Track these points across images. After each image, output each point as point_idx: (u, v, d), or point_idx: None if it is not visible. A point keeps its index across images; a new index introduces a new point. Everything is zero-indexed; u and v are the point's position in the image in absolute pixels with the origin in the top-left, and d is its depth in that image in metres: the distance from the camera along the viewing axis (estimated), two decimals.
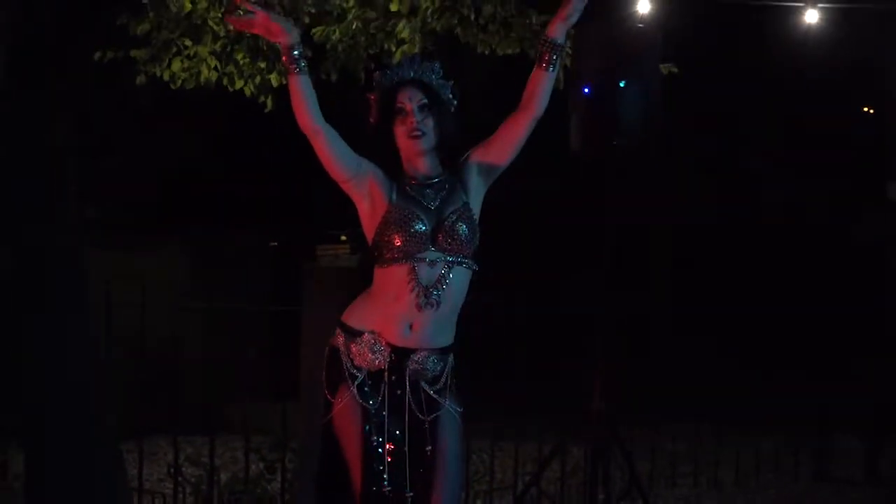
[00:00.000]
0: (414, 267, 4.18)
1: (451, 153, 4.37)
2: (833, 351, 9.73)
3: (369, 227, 4.28)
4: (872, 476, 9.15)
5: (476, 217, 4.33)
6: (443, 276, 4.19)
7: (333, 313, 4.43)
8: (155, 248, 10.75)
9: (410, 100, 4.27)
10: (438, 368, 4.29)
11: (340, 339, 4.28)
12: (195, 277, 10.57)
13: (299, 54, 4.06)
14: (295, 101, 4.11)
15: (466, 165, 4.37)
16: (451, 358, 4.35)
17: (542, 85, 4.34)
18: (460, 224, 4.24)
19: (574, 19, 4.33)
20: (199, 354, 8.46)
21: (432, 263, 4.20)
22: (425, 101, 4.27)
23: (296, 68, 4.06)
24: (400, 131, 4.28)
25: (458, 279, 4.25)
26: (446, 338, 4.31)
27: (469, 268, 4.28)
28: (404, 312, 4.20)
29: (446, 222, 4.23)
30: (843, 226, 13.30)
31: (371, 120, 4.37)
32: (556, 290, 9.28)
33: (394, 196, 4.25)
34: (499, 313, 8.06)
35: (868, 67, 11.07)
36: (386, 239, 4.21)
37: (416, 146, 4.26)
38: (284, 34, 4.05)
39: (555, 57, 4.33)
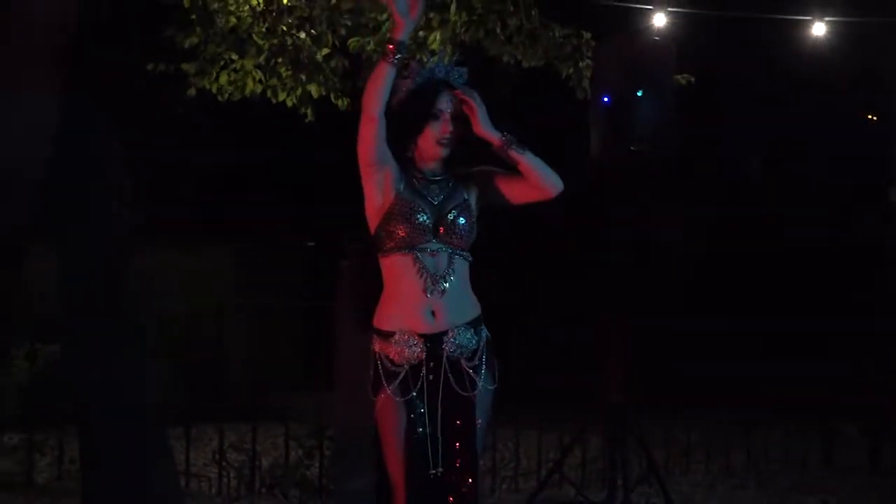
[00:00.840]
0: (417, 255, 4.29)
1: (464, 156, 4.50)
2: (838, 345, 10.00)
3: (374, 215, 4.36)
4: (875, 464, 9.49)
5: (475, 214, 4.43)
6: (448, 266, 4.32)
7: (365, 309, 4.48)
8: (200, 248, 10.96)
9: (447, 107, 4.39)
10: (474, 342, 4.36)
11: (377, 345, 4.38)
12: (238, 275, 10.81)
13: (404, 49, 4.25)
14: (375, 86, 4.26)
15: (479, 176, 4.49)
16: (484, 331, 4.41)
17: (525, 167, 4.40)
18: (460, 218, 4.35)
19: (482, 117, 4.38)
20: (242, 347, 8.59)
21: (434, 253, 4.31)
22: (457, 111, 4.43)
23: (392, 59, 4.24)
24: (430, 133, 4.40)
25: (461, 268, 4.35)
26: (471, 310, 4.39)
27: (466, 259, 4.38)
28: (420, 302, 4.30)
29: (448, 216, 4.34)
30: (848, 227, 13.57)
31: (394, 102, 4.44)
32: (575, 288, 9.49)
33: (402, 188, 4.35)
34: (522, 310, 8.31)
35: (873, 77, 11.20)
36: (390, 229, 4.30)
37: (440, 152, 4.43)
38: (414, 15, 4.26)
39: (511, 146, 4.38)
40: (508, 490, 8.37)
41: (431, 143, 4.43)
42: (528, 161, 4.40)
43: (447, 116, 4.43)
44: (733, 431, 9.45)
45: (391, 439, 4.35)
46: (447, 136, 4.41)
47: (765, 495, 8.42)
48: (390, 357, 4.35)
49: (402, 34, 4.27)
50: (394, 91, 4.43)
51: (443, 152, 4.43)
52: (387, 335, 4.36)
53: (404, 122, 4.43)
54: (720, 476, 9.06)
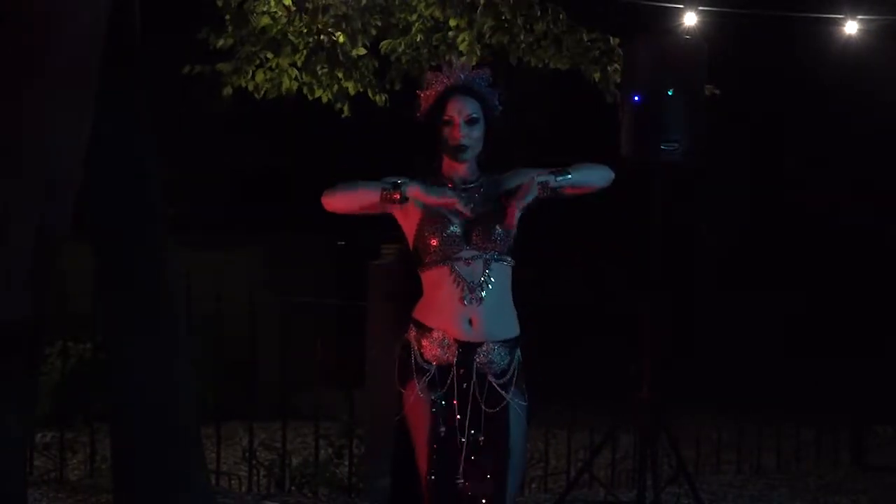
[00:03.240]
0: (453, 266, 4.29)
1: (494, 157, 4.48)
2: (870, 345, 9.96)
3: (409, 233, 4.39)
4: None
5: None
6: (484, 273, 4.30)
7: (395, 308, 4.65)
8: (232, 245, 11.00)
9: (459, 112, 4.36)
10: (505, 361, 4.36)
11: (413, 334, 4.38)
12: (269, 273, 10.84)
13: (404, 201, 4.30)
14: (356, 203, 4.39)
15: (513, 176, 4.45)
16: (518, 352, 4.41)
17: (577, 189, 4.43)
18: (494, 222, 4.33)
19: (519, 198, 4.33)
20: (272, 346, 8.62)
21: (469, 262, 4.30)
22: (473, 115, 4.40)
23: (391, 202, 4.29)
24: (444, 140, 4.38)
25: (499, 274, 4.34)
26: (509, 329, 4.39)
27: (508, 264, 4.38)
28: (457, 310, 4.30)
29: (481, 222, 4.33)
30: (882, 228, 13.50)
31: (418, 114, 4.48)
32: (605, 284, 9.49)
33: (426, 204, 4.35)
34: (551, 306, 8.28)
35: None
36: (424, 242, 4.32)
37: (459, 157, 4.40)
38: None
39: (553, 185, 4.36)
40: (538, 490, 8.37)
41: (448, 149, 4.41)
42: (575, 182, 4.40)
43: (459, 121, 4.39)
44: (764, 431, 9.39)
45: (421, 436, 4.35)
46: (460, 141, 4.37)
47: (796, 495, 8.37)
48: (422, 351, 4.36)
49: (419, 202, 4.31)
50: (418, 103, 4.49)
51: (462, 157, 4.40)
52: (426, 329, 4.37)
53: (424, 130, 4.44)
54: (751, 476, 9.03)
